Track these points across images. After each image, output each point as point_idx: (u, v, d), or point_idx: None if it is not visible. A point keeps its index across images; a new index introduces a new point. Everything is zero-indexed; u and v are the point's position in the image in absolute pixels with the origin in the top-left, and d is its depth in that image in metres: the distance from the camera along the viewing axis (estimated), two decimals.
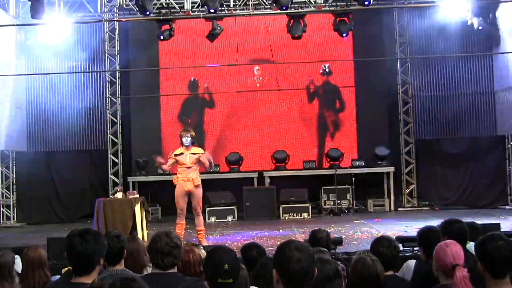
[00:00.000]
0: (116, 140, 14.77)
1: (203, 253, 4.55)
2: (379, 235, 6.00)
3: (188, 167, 8.84)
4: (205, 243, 8.76)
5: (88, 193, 14.45)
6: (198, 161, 8.89)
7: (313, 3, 13.88)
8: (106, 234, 3.83)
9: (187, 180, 8.82)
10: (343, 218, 12.83)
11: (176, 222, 9.09)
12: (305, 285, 2.54)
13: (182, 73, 14.86)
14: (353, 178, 13.75)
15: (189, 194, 8.93)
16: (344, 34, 13.42)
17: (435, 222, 5.18)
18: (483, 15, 13.76)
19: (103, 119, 14.66)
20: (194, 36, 14.65)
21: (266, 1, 13.80)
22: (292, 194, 13.51)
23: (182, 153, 8.91)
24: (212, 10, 11.81)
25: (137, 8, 12.68)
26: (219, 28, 13.13)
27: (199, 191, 8.99)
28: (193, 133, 9.01)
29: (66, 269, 3.71)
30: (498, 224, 8.52)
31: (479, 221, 8.76)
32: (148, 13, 12.06)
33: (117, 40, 14.85)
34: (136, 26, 14.83)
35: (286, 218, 13.19)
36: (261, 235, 10.52)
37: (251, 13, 13.45)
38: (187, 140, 8.85)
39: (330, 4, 13.86)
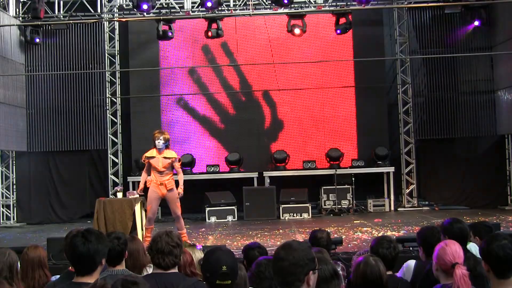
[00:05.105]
0: (116, 140, 14.78)
1: (199, 255, 4.55)
2: (379, 235, 6.01)
3: (160, 171, 8.48)
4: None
5: (88, 193, 14.46)
6: (171, 166, 8.52)
7: (313, 3, 13.89)
8: (106, 234, 3.83)
9: (160, 184, 8.48)
10: (343, 218, 12.82)
11: (146, 226, 8.77)
12: (289, 284, 2.56)
13: (182, 73, 14.89)
14: (353, 178, 13.75)
15: (164, 199, 8.63)
16: (338, 31, 13.53)
17: (435, 222, 5.26)
18: (483, 15, 13.80)
19: (103, 119, 14.66)
20: (194, 36, 14.67)
21: (266, 1, 13.81)
22: (292, 194, 13.50)
23: (154, 156, 8.50)
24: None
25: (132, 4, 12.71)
26: (220, 30, 13.23)
27: (173, 194, 8.57)
28: (166, 136, 8.50)
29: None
30: (498, 224, 8.53)
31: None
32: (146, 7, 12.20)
33: (117, 40, 14.85)
34: (136, 26, 14.84)
35: (286, 218, 13.19)
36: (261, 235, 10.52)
37: (251, 13, 13.46)
38: (159, 142, 8.40)
39: (330, 4, 13.88)
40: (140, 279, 2.73)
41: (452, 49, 14.30)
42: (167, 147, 8.56)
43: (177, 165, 8.59)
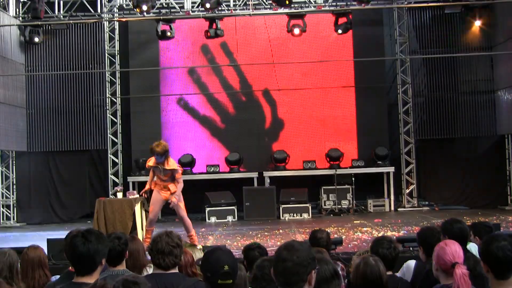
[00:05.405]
0: (116, 140, 14.78)
1: (200, 255, 4.55)
2: (379, 235, 6.00)
3: (163, 180, 8.54)
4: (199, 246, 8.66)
5: (88, 193, 14.46)
6: (173, 177, 8.52)
7: (313, 3, 13.89)
8: (107, 235, 3.83)
9: (163, 188, 8.57)
10: (343, 218, 12.82)
11: (147, 228, 8.78)
12: (293, 285, 2.55)
13: (182, 73, 14.90)
14: (353, 178, 13.74)
15: (167, 202, 8.66)
16: (340, 31, 13.55)
17: (435, 222, 5.27)
18: (482, 15, 13.82)
19: (103, 119, 14.66)
20: (194, 36, 14.69)
21: (266, 1, 13.81)
22: (292, 194, 13.50)
23: (157, 166, 8.51)
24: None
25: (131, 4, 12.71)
26: (222, 31, 13.24)
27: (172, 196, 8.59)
28: (162, 150, 8.31)
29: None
30: (498, 224, 8.53)
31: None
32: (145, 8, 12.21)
33: (117, 40, 14.85)
34: (136, 26, 14.84)
35: (286, 218, 13.19)
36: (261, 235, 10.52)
37: (251, 13, 13.47)
38: (157, 158, 8.35)
39: (330, 4, 13.88)
40: (141, 279, 2.74)
41: (452, 49, 14.31)
42: (166, 157, 8.52)
43: (177, 176, 8.60)
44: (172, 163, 8.52)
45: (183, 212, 8.69)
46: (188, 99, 15.00)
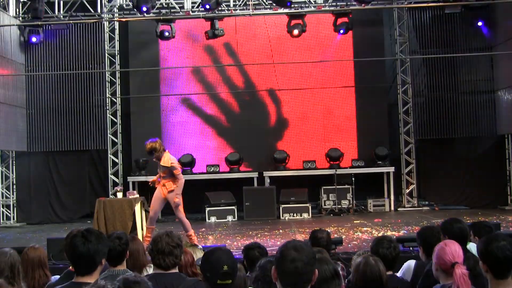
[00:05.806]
0: (116, 140, 14.78)
1: (200, 254, 4.55)
2: (379, 235, 6.00)
3: (163, 176, 8.72)
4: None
5: (88, 193, 14.46)
6: (170, 173, 8.63)
7: (313, 3, 13.90)
8: (108, 234, 3.84)
9: (163, 185, 8.70)
10: (343, 218, 12.82)
11: (147, 226, 8.88)
12: (301, 285, 2.55)
13: (182, 73, 14.89)
14: (353, 178, 13.74)
15: (167, 201, 8.79)
16: (342, 31, 13.53)
17: (435, 222, 5.28)
18: (483, 15, 13.82)
19: (103, 119, 14.66)
20: (194, 36, 14.68)
21: (266, 1, 13.81)
22: (292, 194, 13.50)
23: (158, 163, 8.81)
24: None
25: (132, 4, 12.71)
26: (221, 30, 13.21)
27: (173, 195, 8.68)
28: (146, 150, 8.65)
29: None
30: (498, 224, 8.53)
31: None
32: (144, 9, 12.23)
33: (117, 40, 14.85)
34: (136, 26, 14.84)
35: (286, 218, 13.19)
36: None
37: (251, 13, 13.47)
38: (151, 157, 8.71)
39: (330, 4, 13.89)
40: (141, 278, 2.74)
41: (452, 49, 14.31)
42: (159, 155, 8.58)
43: (175, 172, 8.64)
44: (165, 160, 8.59)
45: (180, 213, 8.72)
46: (191, 99, 14.96)
